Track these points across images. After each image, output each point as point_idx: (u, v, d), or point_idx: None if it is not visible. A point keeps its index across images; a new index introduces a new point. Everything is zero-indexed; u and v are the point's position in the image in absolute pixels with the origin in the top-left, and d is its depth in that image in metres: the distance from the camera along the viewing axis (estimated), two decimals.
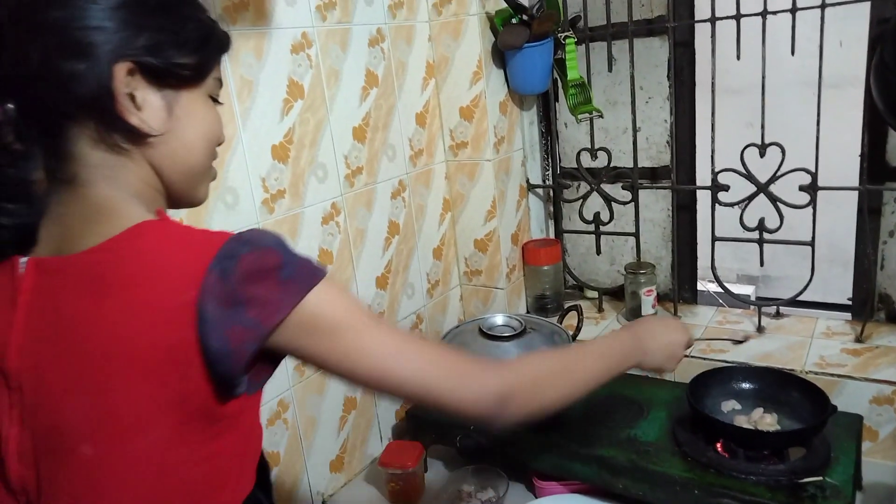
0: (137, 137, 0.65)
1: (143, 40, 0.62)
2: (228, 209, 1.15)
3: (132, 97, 0.63)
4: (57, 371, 0.61)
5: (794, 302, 1.49)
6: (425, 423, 1.40)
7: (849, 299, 1.54)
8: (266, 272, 0.62)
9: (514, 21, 1.51)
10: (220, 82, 0.73)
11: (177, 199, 0.72)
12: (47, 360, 0.62)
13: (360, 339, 0.66)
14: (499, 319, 1.47)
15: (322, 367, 0.67)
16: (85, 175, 0.64)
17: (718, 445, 1.17)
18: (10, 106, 0.61)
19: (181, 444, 0.63)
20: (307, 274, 0.64)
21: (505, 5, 1.51)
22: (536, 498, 1.30)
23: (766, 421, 1.18)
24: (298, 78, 1.26)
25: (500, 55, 1.57)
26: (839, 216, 1.65)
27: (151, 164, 0.67)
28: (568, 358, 0.89)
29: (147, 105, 0.64)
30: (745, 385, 1.28)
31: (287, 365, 1.27)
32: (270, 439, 1.26)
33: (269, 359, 0.66)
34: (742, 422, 1.18)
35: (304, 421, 1.33)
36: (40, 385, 0.62)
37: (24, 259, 0.65)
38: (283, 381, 1.27)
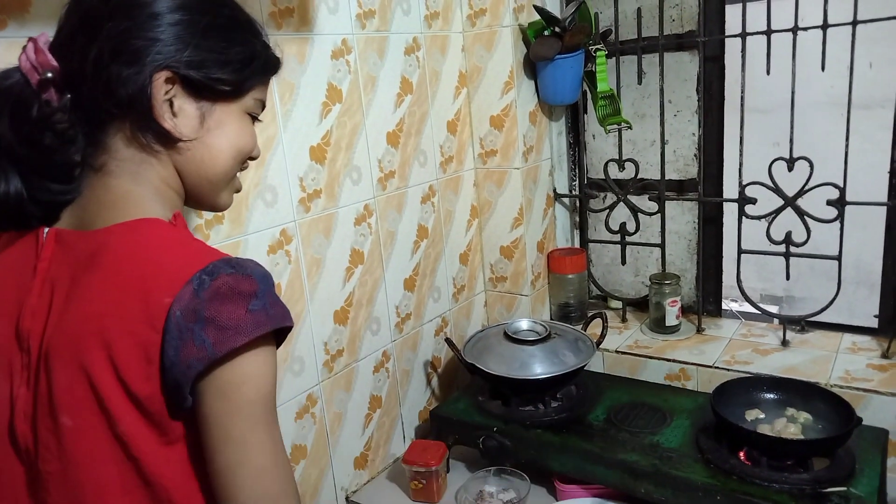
0: (168, 140, 0.70)
1: (188, 55, 0.68)
2: (267, 206, 1.19)
3: (170, 103, 0.69)
4: (55, 337, 0.65)
5: (818, 323, 1.49)
6: (449, 424, 1.42)
7: (875, 316, 1.54)
8: (237, 296, 0.63)
9: (546, 33, 1.54)
10: (261, 103, 0.78)
11: (197, 201, 0.77)
12: (50, 326, 0.66)
13: (251, 433, 0.64)
14: (524, 324, 1.50)
15: (202, 433, 0.65)
16: (113, 166, 0.70)
17: (741, 454, 1.17)
18: (68, 96, 0.68)
19: (144, 440, 0.65)
20: (277, 314, 0.66)
21: (538, 17, 1.54)
22: (557, 501, 1.31)
23: (789, 430, 1.18)
24: (337, 83, 1.30)
25: (532, 66, 1.61)
26: (866, 238, 1.65)
27: (176, 167, 0.72)
28: None
29: (182, 112, 0.70)
30: (770, 395, 1.28)
31: (316, 359, 1.31)
32: (298, 433, 1.29)
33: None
34: (766, 430, 1.19)
35: (332, 417, 1.36)
36: (43, 349, 0.66)
37: (46, 229, 0.71)
38: (313, 376, 1.31)
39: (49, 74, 0.66)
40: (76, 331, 0.64)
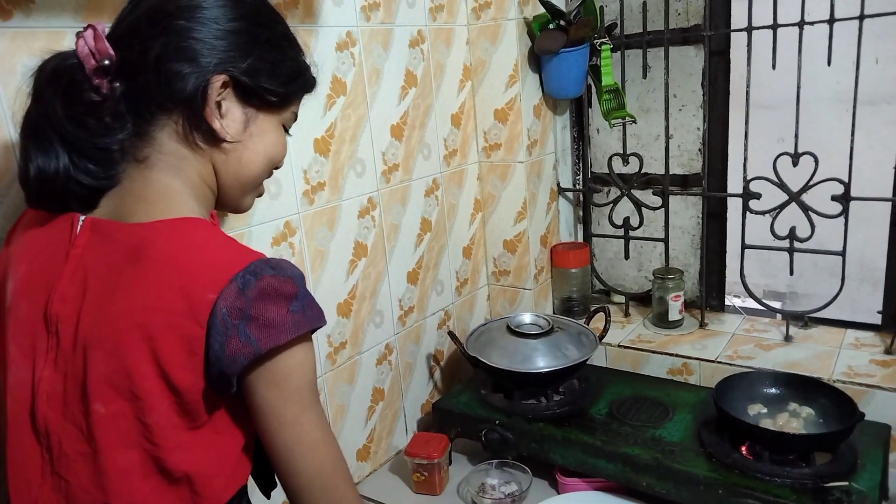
0: (213, 140, 0.74)
1: (244, 63, 0.73)
2: (272, 198, 1.19)
3: (220, 105, 0.73)
4: (88, 324, 0.67)
5: (821, 319, 1.49)
6: (451, 417, 1.43)
7: (879, 312, 1.54)
8: (280, 297, 0.67)
9: (551, 26, 1.54)
10: (295, 116, 0.83)
11: (224, 202, 0.81)
12: (83, 312, 0.68)
13: (303, 414, 0.71)
14: (527, 318, 1.50)
15: (257, 419, 0.70)
16: (155, 159, 0.73)
17: (743, 448, 1.18)
18: (118, 85, 0.71)
19: (172, 427, 0.68)
20: (314, 315, 0.71)
21: (543, 11, 1.54)
22: (559, 494, 1.31)
23: (792, 425, 1.18)
24: (342, 75, 1.30)
25: (536, 59, 1.61)
26: (870, 234, 1.65)
27: (214, 166, 0.76)
28: None
29: (230, 115, 0.74)
30: (772, 390, 1.28)
31: (320, 351, 1.31)
32: None
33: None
34: (768, 425, 1.19)
35: (334, 409, 1.36)
36: (74, 334, 0.68)
37: (82, 217, 0.72)
38: (316, 367, 1.31)
39: (105, 62, 0.69)
40: (118, 323, 0.66)
